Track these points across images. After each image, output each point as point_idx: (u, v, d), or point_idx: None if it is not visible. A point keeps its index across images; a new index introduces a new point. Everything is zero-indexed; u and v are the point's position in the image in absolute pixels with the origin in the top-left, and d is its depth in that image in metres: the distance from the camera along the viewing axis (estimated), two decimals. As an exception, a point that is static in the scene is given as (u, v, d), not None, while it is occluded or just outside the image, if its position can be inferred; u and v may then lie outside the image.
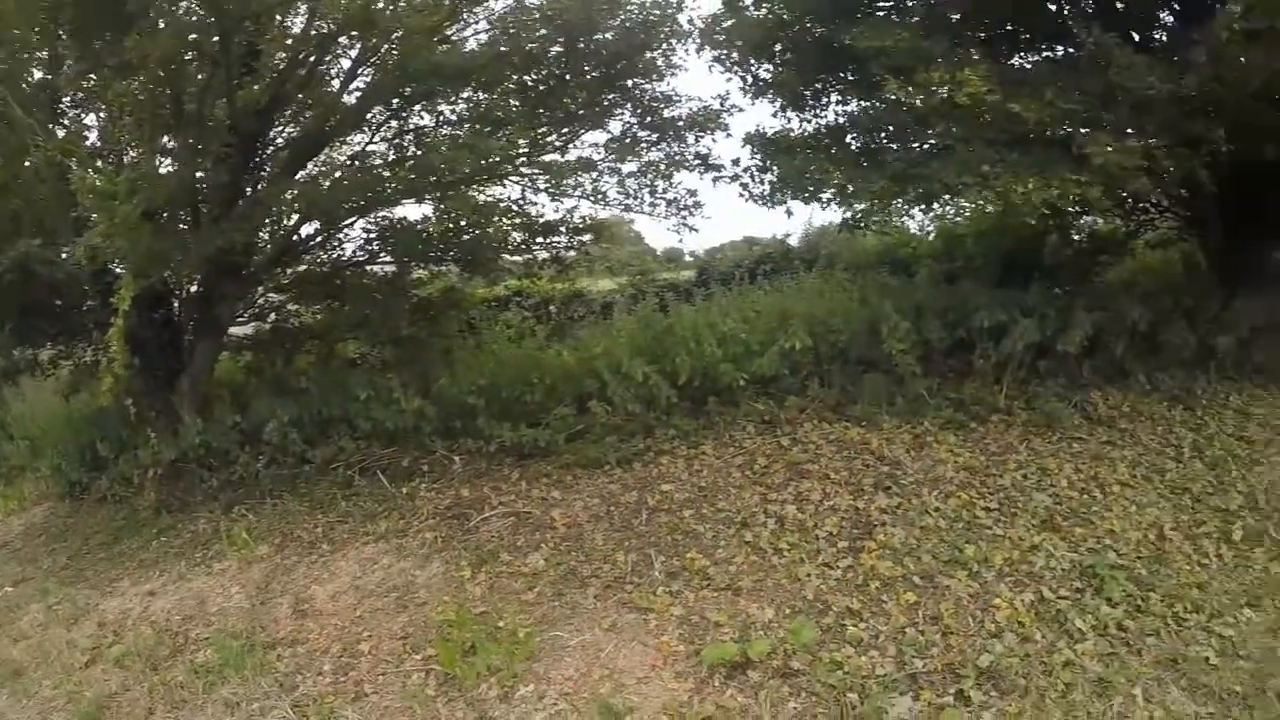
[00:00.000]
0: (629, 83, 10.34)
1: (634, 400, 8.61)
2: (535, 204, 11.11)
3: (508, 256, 11.81)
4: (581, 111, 10.32)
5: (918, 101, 8.00)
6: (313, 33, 8.88)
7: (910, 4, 9.72)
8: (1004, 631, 5.59)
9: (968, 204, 11.33)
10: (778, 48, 10.53)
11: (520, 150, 9.95)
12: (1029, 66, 10.01)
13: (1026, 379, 8.88)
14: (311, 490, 8.89)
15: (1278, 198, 10.40)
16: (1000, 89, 7.62)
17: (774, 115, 11.17)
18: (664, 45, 10.23)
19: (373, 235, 11.22)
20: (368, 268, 11.72)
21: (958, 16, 9.57)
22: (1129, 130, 7.96)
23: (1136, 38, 9.21)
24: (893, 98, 8.05)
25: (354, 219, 10.58)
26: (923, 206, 10.60)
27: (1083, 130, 7.63)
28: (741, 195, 10.52)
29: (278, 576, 7.53)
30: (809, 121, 11.25)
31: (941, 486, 7.21)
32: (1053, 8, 9.74)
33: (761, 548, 6.68)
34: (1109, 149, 7.25)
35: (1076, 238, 12.16)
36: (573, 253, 11.88)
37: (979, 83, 7.42)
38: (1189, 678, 5.25)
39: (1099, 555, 6.34)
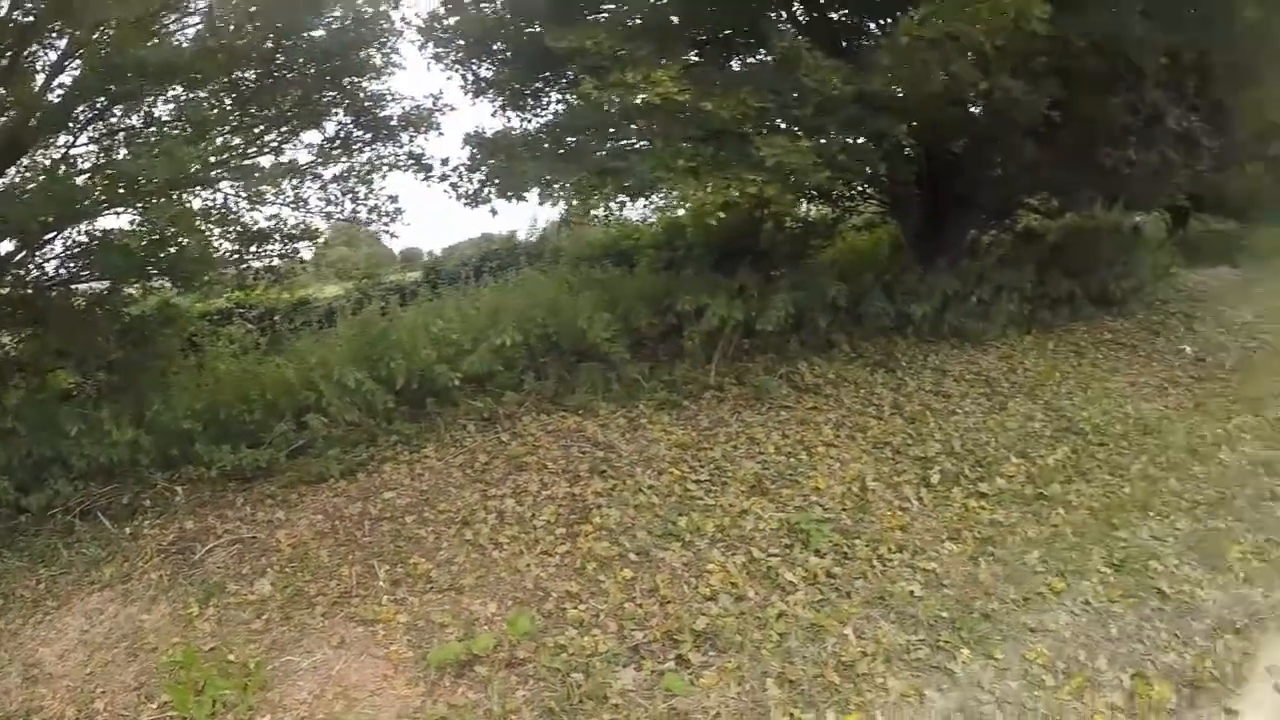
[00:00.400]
0: (345, 81, 10.10)
1: (351, 409, 8.44)
2: (245, 211, 10.63)
3: (221, 268, 11.00)
4: (295, 110, 10.00)
5: (616, 99, 8.25)
6: (12, 21, 8.14)
7: (624, 8, 9.94)
8: (718, 594, 5.96)
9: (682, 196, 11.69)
10: (497, 46, 10.64)
11: (226, 154, 9.58)
12: (736, 69, 10.50)
13: (737, 356, 9.57)
14: (31, 543, 7.96)
15: (968, 183, 11.62)
16: (695, 89, 8.01)
17: (493, 115, 11.27)
18: (381, 42, 10.10)
19: (75, 251, 10.31)
20: (75, 287, 10.77)
21: (676, 20, 10.01)
22: (819, 128, 8.59)
23: (845, 44, 9.86)
24: (591, 96, 8.26)
25: (52, 234, 9.69)
26: (625, 200, 10.92)
27: (763, 130, 8.26)
28: (448, 194, 10.46)
29: (3, 643, 6.85)
30: (529, 121, 11.45)
31: (655, 465, 7.60)
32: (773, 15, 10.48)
33: (482, 544, 6.76)
34: (781, 148, 7.82)
35: (790, 224, 12.95)
36: (286, 260, 11.32)
37: (670, 83, 7.76)
38: (897, 611, 5.83)
39: (806, 512, 6.93)
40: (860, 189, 13.48)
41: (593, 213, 11.19)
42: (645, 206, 12.78)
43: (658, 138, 8.67)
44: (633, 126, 9.31)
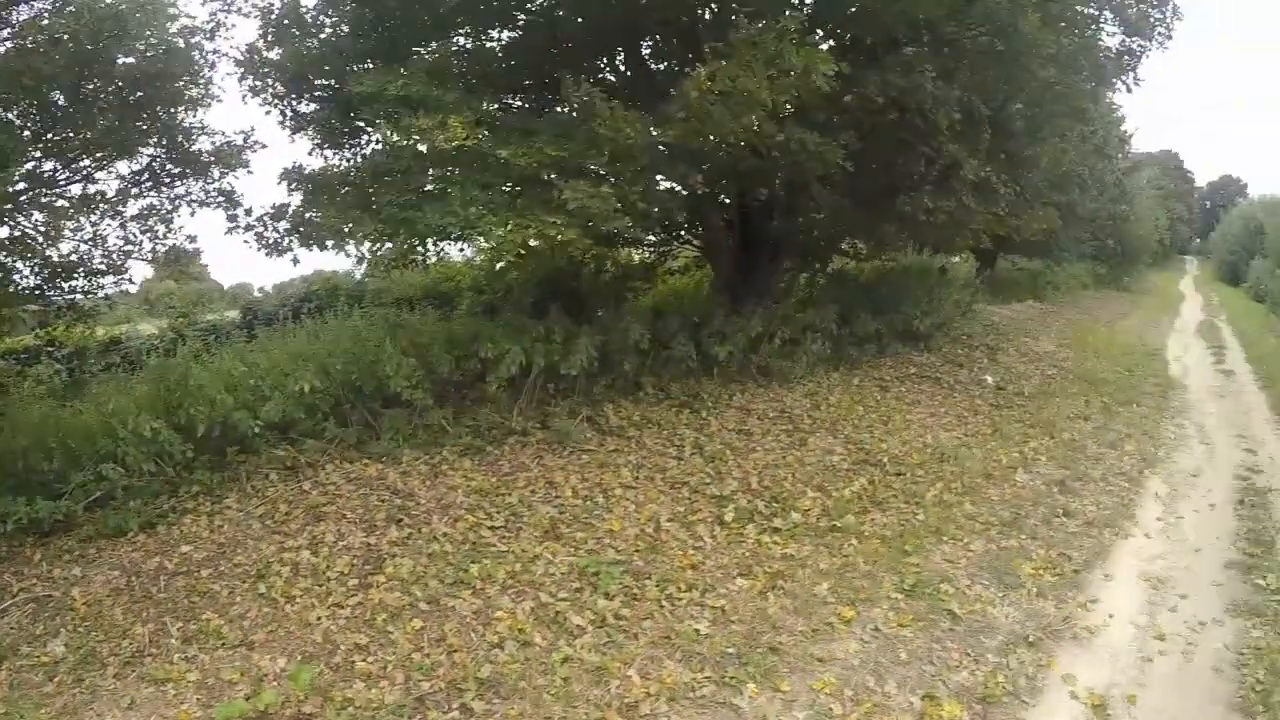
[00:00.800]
0: (158, 110, 9.70)
1: (149, 459, 7.99)
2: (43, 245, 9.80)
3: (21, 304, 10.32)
4: (106, 137, 9.42)
5: (416, 145, 8.31)
6: None
7: (437, 54, 9.88)
8: (505, 641, 5.92)
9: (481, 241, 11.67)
10: (318, 82, 10.41)
11: (31, 182, 9.10)
12: (540, 117, 10.62)
13: (544, 401, 9.59)
14: None
15: (777, 230, 12.22)
16: (493, 136, 8.13)
17: (309, 153, 11.01)
18: (194, 72, 9.79)
19: None
20: None
21: (492, 67, 10.19)
22: (619, 175, 8.82)
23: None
24: (391, 141, 8.27)
25: None
26: (431, 243, 10.66)
27: (567, 177, 8.32)
28: (249, 245, 10.17)
29: None
30: (349, 159, 11.25)
31: (452, 512, 7.53)
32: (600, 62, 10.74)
33: (275, 598, 6.57)
34: (582, 193, 7.98)
35: (610, 267, 13.20)
36: (90, 297, 10.72)
37: (463, 130, 7.84)
38: (683, 650, 5.86)
39: (598, 555, 6.99)
40: (675, 234, 13.96)
41: (413, 254, 11.07)
42: (462, 250, 12.81)
43: (454, 184, 8.70)
44: (430, 173, 9.31)
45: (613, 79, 11.68)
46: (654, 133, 8.46)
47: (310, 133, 11.00)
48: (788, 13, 8.75)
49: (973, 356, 15.52)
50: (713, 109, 8.19)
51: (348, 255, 9.92)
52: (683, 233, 13.73)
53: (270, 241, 9.87)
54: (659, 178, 10.17)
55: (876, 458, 9.50)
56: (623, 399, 10.06)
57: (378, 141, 11.00)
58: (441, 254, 11.92)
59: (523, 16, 10.72)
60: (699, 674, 5.55)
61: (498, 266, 13.04)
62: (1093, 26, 12.85)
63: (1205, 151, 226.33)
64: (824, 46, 11.83)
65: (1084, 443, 11.00)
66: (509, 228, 8.35)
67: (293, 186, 10.07)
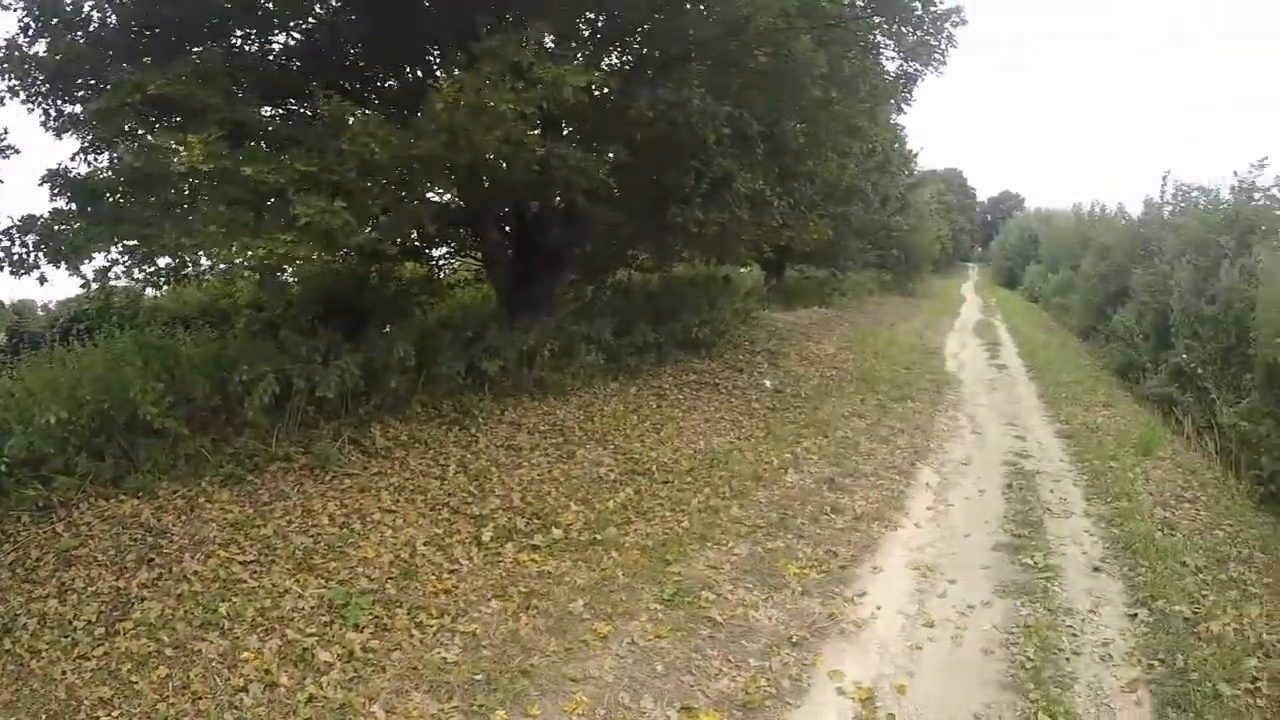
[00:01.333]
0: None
1: None
2: None
3: None
4: None
5: (160, 160, 7.92)
6: None
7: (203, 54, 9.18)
8: (250, 684, 5.57)
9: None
10: (85, 81, 9.55)
11: None
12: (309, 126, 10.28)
13: (310, 423, 9.13)
14: None
15: (553, 242, 12.23)
16: (244, 151, 7.82)
17: (73, 157, 10.10)
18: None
19: None
20: None
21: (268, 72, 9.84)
22: (365, 189, 8.60)
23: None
24: (132, 155, 7.83)
25: None
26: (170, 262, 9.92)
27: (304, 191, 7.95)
28: None
29: None
30: (116, 162, 10.30)
31: (205, 548, 7.04)
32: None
33: (20, 654, 5.96)
34: (315, 209, 7.67)
35: (396, 281, 12.93)
36: None
37: (200, 150, 7.52)
38: (430, 680, 5.62)
39: (350, 585, 6.66)
40: (456, 247, 13.86)
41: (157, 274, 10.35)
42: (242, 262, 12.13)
43: (199, 200, 8.36)
44: (177, 188, 8.88)
45: (397, 89, 11.43)
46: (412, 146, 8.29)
47: (77, 134, 10.13)
48: (535, 24, 8.72)
49: (754, 362, 15.91)
50: (463, 122, 8.05)
51: (82, 276, 9.12)
52: (463, 245, 13.71)
53: (16, 258, 8.98)
54: (433, 192, 10.05)
55: (645, 467, 9.54)
56: (392, 418, 9.75)
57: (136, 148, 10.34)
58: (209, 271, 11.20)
59: (304, 22, 10.46)
60: (446, 704, 5.36)
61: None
62: (872, 53, 13.49)
63: (989, 169, 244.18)
64: (612, 61, 12.17)
65: (857, 440, 11.44)
66: (232, 249, 7.99)
67: (54, 192, 9.36)
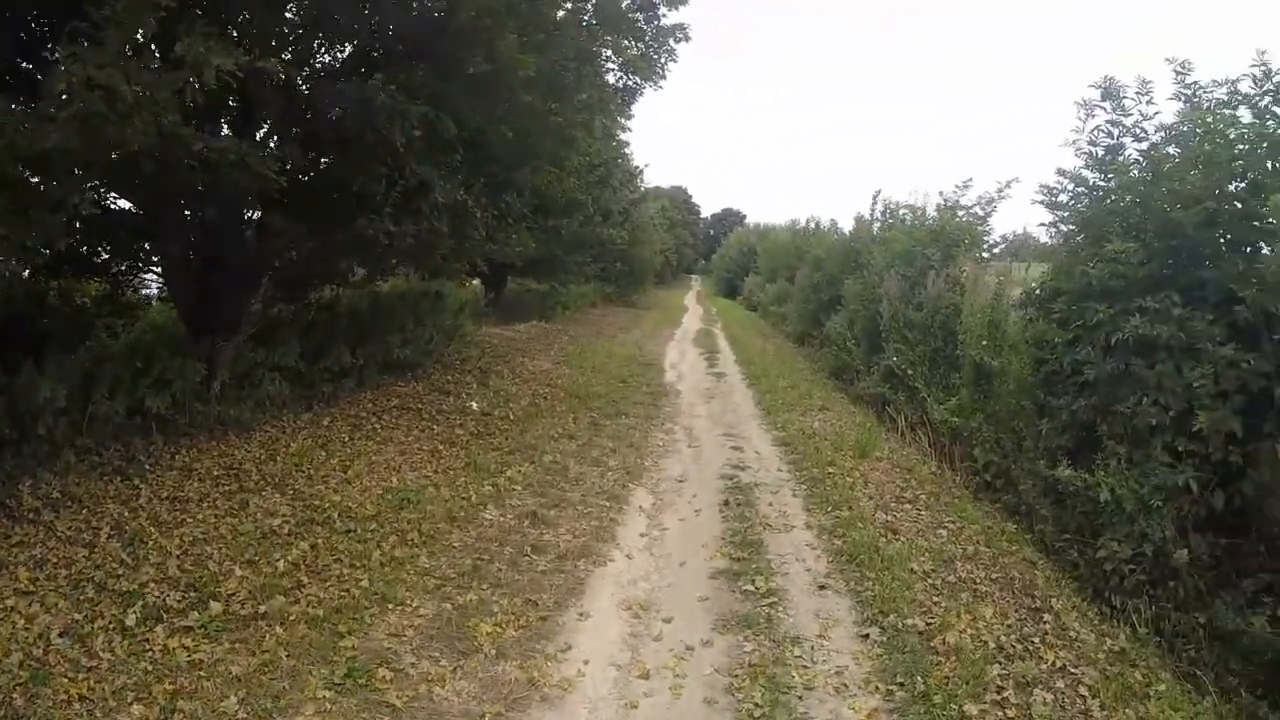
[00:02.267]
0: None
1: None
2: None
3: None
4: None
5: None
6: None
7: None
8: None
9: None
10: None
11: None
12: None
13: None
14: None
15: (235, 255, 10.56)
16: None
17: None
18: None
19: None
20: None
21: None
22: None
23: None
24: None
25: None
26: None
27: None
28: None
29: None
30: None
31: None
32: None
33: None
34: None
35: (78, 301, 11.00)
36: None
37: None
38: None
39: None
40: (132, 259, 11.77)
41: None
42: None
43: None
44: None
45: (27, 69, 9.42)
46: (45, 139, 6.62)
47: None
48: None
49: (463, 382, 14.89)
50: (98, 109, 6.48)
51: None
52: (141, 258, 11.62)
53: None
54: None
55: (326, 514, 8.12)
56: (46, 471, 7.90)
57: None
58: None
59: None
60: None
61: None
62: (590, 63, 12.72)
63: (714, 189, 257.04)
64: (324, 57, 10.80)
65: (566, 464, 10.61)
66: None
67: None
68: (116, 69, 6.39)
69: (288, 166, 9.20)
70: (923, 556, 7.70)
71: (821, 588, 7.09)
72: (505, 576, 7.13)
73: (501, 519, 8.51)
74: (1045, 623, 6.57)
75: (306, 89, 9.50)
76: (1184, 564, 6.67)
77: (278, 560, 7.03)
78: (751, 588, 7.01)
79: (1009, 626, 6.43)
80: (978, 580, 7.28)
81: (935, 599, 6.82)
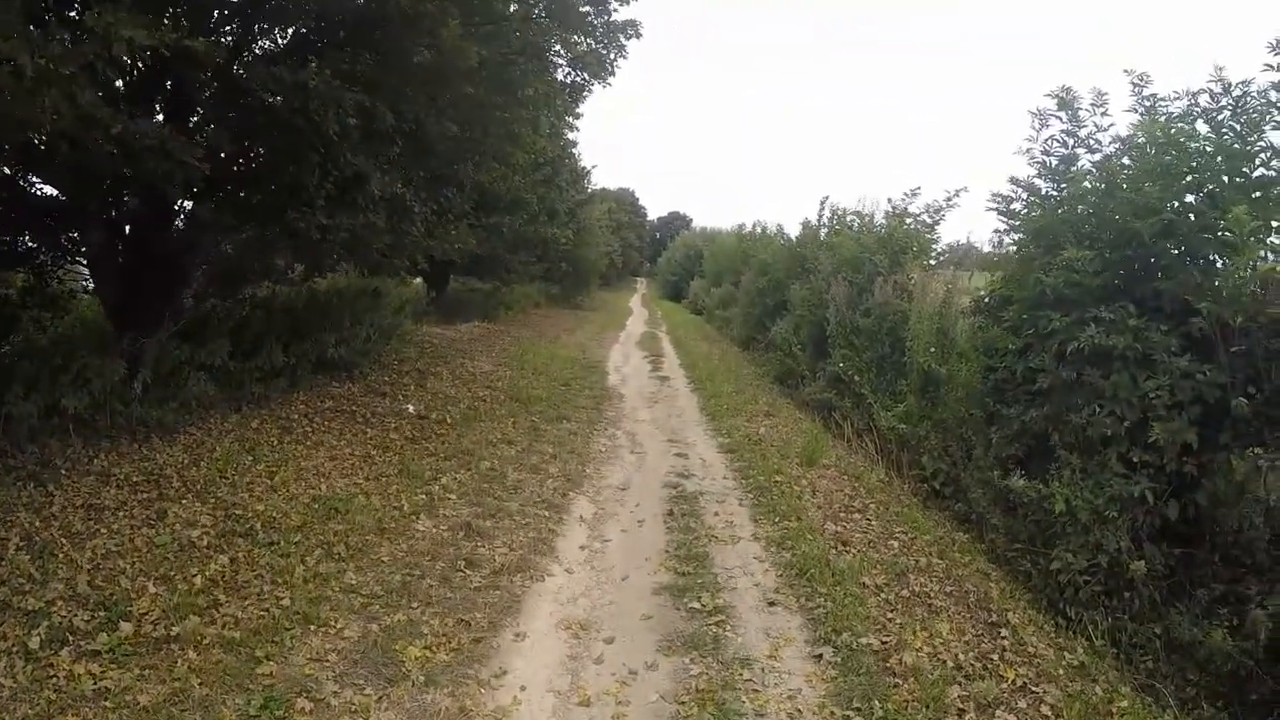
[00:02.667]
0: None
1: None
2: None
3: None
4: None
5: None
6: None
7: None
8: None
9: None
10: None
11: None
12: None
13: None
14: None
15: (178, 245, 10.02)
16: None
17: None
18: None
19: None
20: None
21: None
22: None
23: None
24: None
25: None
26: None
27: None
28: None
29: None
30: None
31: None
32: None
33: None
34: None
35: (6, 291, 10.25)
36: None
37: None
38: None
39: None
40: (60, 251, 11.07)
41: None
42: None
43: None
44: None
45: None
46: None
47: None
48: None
49: (401, 383, 14.40)
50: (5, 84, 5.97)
51: None
52: (66, 249, 10.85)
53: None
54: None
55: (249, 524, 7.55)
56: None
57: None
58: None
59: None
60: None
61: None
62: (535, 59, 12.35)
63: (662, 192, 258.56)
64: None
65: (504, 471, 10.17)
66: None
67: None
68: (21, 40, 5.90)
69: (222, 155, 8.76)
70: (875, 570, 7.45)
71: (771, 604, 6.77)
72: (436, 594, 6.67)
73: (434, 530, 8.05)
74: (1003, 638, 6.36)
75: (241, 73, 8.98)
76: (1141, 575, 6.54)
77: (194, 576, 6.49)
78: (698, 605, 6.67)
79: (967, 643, 6.20)
80: (932, 594, 7.03)
81: (890, 615, 6.56)
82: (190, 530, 7.30)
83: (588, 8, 12.88)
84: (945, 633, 6.29)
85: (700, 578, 7.21)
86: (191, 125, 9.66)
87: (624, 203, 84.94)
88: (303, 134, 9.00)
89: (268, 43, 10.84)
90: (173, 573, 6.53)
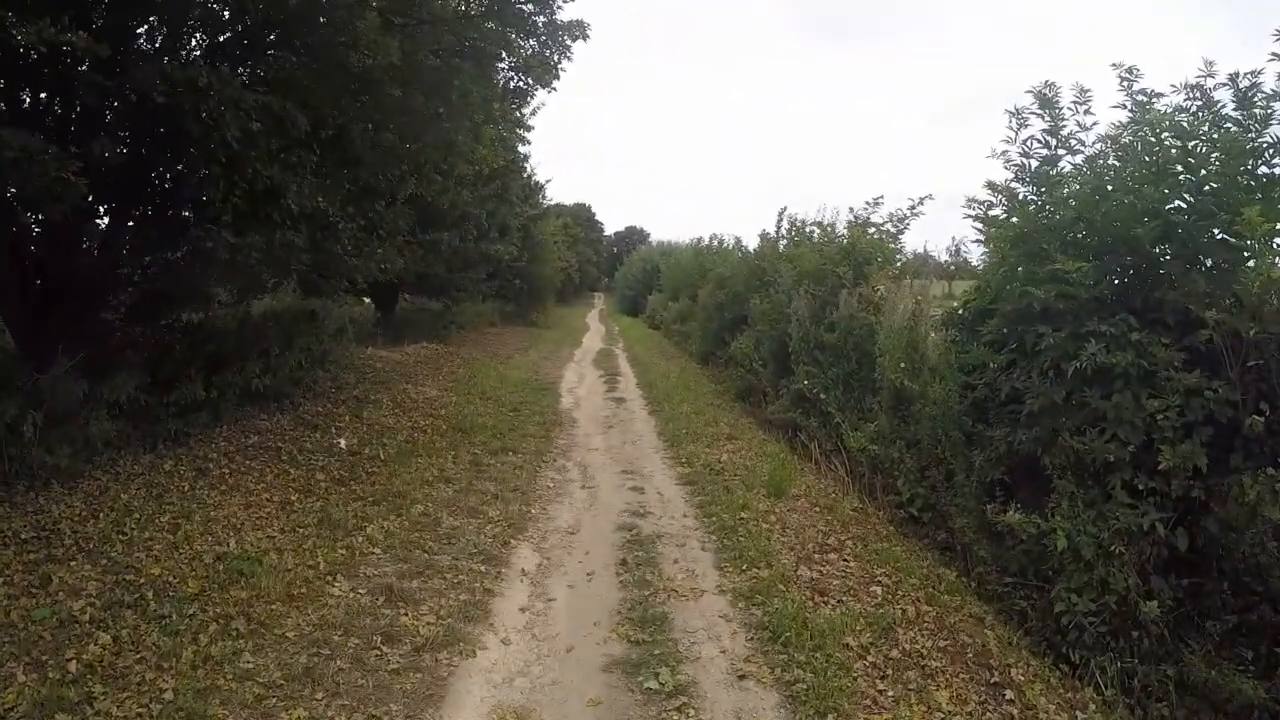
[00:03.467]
0: None
1: None
2: None
3: None
4: None
5: None
6: None
7: None
8: None
9: None
10: None
11: None
12: None
13: None
14: None
15: (86, 268, 9.01)
16: None
17: None
18: None
19: None
20: None
21: None
22: None
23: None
24: None
25: None
26: None
27: None
28: None
29: None
30: None
31: None
32: None
33: None
34: None
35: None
36: None
37: None
38: None
39: None
40: None
41: None
42: None
43: None
44: None
45: None
46: None
47: None
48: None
49: (336, 414, 13.26)
50: None
51: None
52: None
53: None
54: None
55: (140, 591, 6.40)
56: None
57: None
58: None
59: None
60: None
61: None
62: (472, 61, 11.44)
63: (618, 207, 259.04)
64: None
65: (438, 515, 9.04)
66: None
67: None
68: None
69: (104, 164, 7.77)
70: (858, 625, 6.49)
71: (742, 677, 5.77)
72: (346, 680, 5.55)
73: (351, 595, 6.89)
74: (1009, 702, 5.56)
75: (122, 70, 7.97)
76: (1154, 615, 5.88)
77: (69, 660, 5.39)
78: (655, 684, 5.61)
79: (970, 715, 5.35)
80: (925, 652, 6.13)
81: (880, 686, 5.63)
82: (74, 601, 6.18)
83: (530, 5, 11.99)
84: (945, 703, 5.43)
85: (658, 647, 6.17)
86: (72, 133, 8.58)
87: (580, 217, 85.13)
88: (195, 139, 8.01)
89: (192, 42, 9.85)
90: (46, 656, 5.45)
